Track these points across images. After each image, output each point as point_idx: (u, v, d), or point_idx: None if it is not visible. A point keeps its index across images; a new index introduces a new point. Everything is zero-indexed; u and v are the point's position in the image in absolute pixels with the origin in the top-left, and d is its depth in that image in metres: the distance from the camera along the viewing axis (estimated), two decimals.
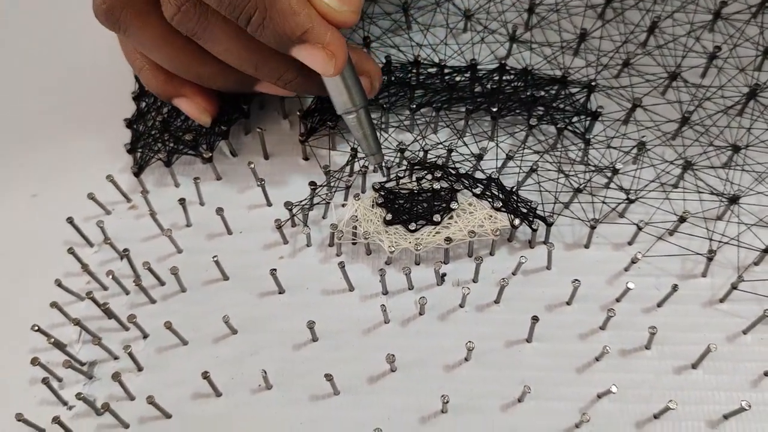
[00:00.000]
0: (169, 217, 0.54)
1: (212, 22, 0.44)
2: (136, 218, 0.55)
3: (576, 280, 0.47)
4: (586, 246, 0.52)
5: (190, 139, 0.55)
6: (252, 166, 0.53)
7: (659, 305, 0.49)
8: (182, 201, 0.52)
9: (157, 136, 0.56)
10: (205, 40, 0.45)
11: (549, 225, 0.50)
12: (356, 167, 0.54)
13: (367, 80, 0.50)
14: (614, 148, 0.54)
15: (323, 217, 0.54)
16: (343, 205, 0.53)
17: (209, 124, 0.53)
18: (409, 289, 0.51)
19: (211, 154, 0.54)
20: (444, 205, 0.51)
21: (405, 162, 0.53)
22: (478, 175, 0.53)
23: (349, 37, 0.61)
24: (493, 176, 0.52)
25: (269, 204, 0.54)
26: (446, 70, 0.57)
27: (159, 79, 0.51)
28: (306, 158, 0.56)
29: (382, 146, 0.54)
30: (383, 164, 0.51)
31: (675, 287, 0.47)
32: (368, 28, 0.61)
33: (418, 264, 0.52)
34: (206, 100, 0.52)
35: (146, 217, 0.54)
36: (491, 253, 0.52)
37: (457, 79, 0.57)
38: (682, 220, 0.50)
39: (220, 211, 0.51)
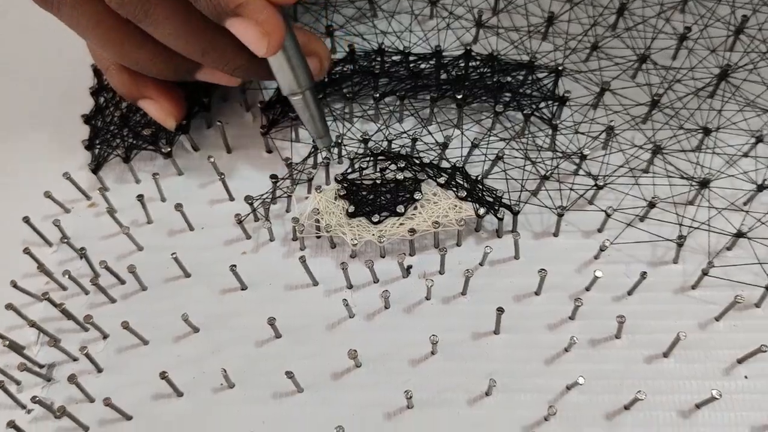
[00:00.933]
0: (130, 215, 0.53)
1: (155, 3, 0.42)
2: (96, 216, 0.53)
3: (542, 269, 0.46)
4: (555, 234, 0.50)
5: (149, 134, 0.53)
6: (212, 160, 0.52)
7: (629, 293, 0.48)
8: (141, 198, 0.51)
9: (116, 131, 0.54)
10: (147, 23, 0.43)
11: (515, 214, 0.49)
12: (319, 159, 0.53)
13: (316, 60, 0.49)
14: (582, 133, 0.53)
15: (286, 211, 0.53)
16: (306, 198, 0.52)
17: (174, 128, 0.51)
18: (374, 282, 0.49)
19: (170, 149, 0.53)
20: (408, 195, 0.50)
21: (368, 152, 0.52)
22: (443, 164, 0.52)
23: (312, 26, 0.59)
24: (458, 165, 0.51)
25: (231, 198, 0.53)
26: (411, 58, 0.56)
27: (123, 78, 0.50)
28: (269, 151, 0.55)
29: (345, 135, 0.53)
30: (332, 147, 0.50)
31: (644, 275, 0.46)
32: (332, 16, 0.60)
33: (383, 257, 0.50)
34: (172, 103, 0.50)
35: (106, 215, 0.53)
36: (458, 244, 0.50)
37: (422, 66, 0.56)
38: (651, 205, 0.49)
39: (179, 207, 0.50)
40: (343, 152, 0.52)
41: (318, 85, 0.53)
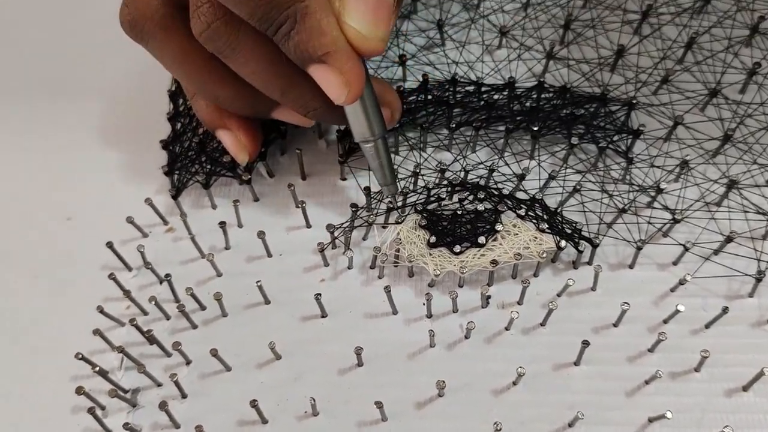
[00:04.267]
0: (207, 240, 0.53)
1: (242, 41, 0.43)
2: (174, 241, 0.54)
3: (625, 302, 0.47)
4: (631, 266, 0.51)
5: (228, 161, 0.54)
6: (292, 188, 0.53)
7: (707, 326, 0.48)
8: (222, 224, 0.52)
9: (194, 157, 0.55)
10: (232, 59, 0.44)
11: (595, 246, 0.50)
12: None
13: (388, 111, 0.49)
14: (657, 167, 0.54)
15: (363, 239, 0.53)
16: (384, 227, 0.52)
17: (245, 163, 0.52)
18: (454, 312, 0.50)
19: (249, 176, 0.53)
20: (488, 226, 0.51)
21: (448, 182, 0.52)
22: (521, 195, 0.53)
23: (385, 56, 0.60)
24: (536, 197, 0.51)
25: (308, 226, 0.54)
26: (484, 88, 0.57)
27: (207, 108, 0.51)
28: (344, 179, 0.56)
29: (423, 166, 0.54)
30: (396, 196, 0.51)
31: (725, 310, 0.47)
32: (403, 45, 0.60)
33: (462, 286, 0.51)
34: (248, 138, 0.51)
35: (184, 240, 0.53)
36: (535, 275, 0.51)
37: (495, 97, 0.56)
38: (728, 240, 0.50)
39: (261, 234, 0.51)
40: (402, 199, 0.52)
41: (389, 132, 0.54)
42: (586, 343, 0.45)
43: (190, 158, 0.55)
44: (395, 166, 0.53)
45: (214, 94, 0.48)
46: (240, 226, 0.54)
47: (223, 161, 0.55)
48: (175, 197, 0.54)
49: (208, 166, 0.55)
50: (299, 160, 0.55)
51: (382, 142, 0.48)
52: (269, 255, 0.53)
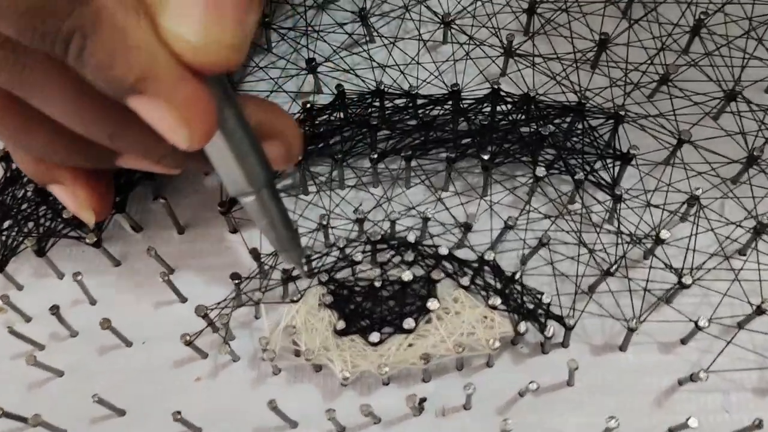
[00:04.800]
0: (50, 324, 0.39)
1: (33, 68, 0.28)
2: (4, 325, 0.40)
3: (612, 418, 0.32)
4: (622, 348, 0.37)
5: (70, 217, 0.40)
6: (152, 253, 0.38)
7: None
8: (55, 310, 0.38)
9: (30, 212, 0.41)
10: (27, 92, 0.29)
11: (568, 329, 0.35)
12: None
13: (279, 146, 0.34)
14: (655, 206, 0.39)
15: (255, 317, 0.39)
16: (284, 300, 0.38)
17: (93, 224, 0.37)
18: (374, 423, 0.36)
19: (97, 239, 0.39)
20: (419, 303, 0.36)
21: (364, 238, 0.38)
22: (465, 254, 0.38)
23: (287, 59, 0.45)
24: (486, 257, 0.37)
25: (182, 300, 0.40)
26: (419, 101, 0.42)
27: (28, 157, 0.36)
28: (234, 230, 0.41)
29: (333, 215, 0.39)
30: (304, 264, 0.37)
31: (759, 424, 0.32)
32: (314, 44, 0.46)
33: (387, 384, 0.37)
34: (89, 192, 0.36)
35: (18, 324, 0.39)
36: (488, 365, 0.37)
37: (435, 113, 0.42)
38: (759, 311, 0.35)
39: (106, 323, 0.37)
40: (315, 265, 0.38)
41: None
42: None
43: (24, 213, 0.41)
44: (296, 223, 0.38)
45: (25, 144, 0.34)
46: (92, 303, 0.40)
47: (65, 217, 0.40)
48: (0, 268, 0.40)
49: (47, 224, 0.40)
50: (168, 211, 0.40)
51: (269, 192, 0.32)
52: (128, 344, 0.39)
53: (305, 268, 0.37)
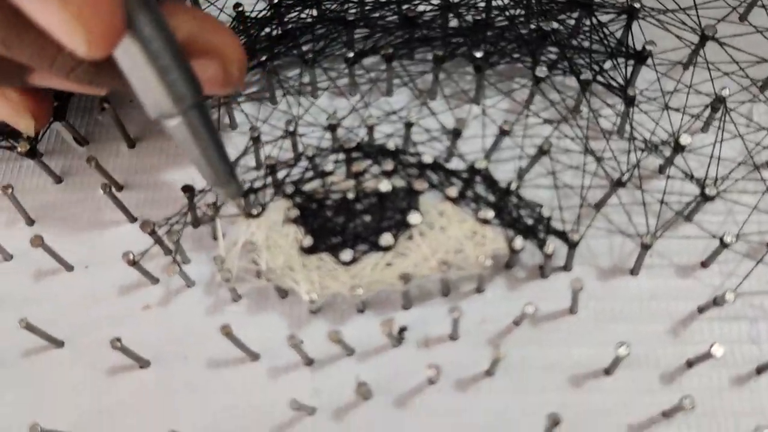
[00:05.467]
0: None
1: None
2: None
3: (622, 344, 0.27)
4: (634, 272, 0.32)
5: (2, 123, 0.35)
6: (92, 164, 0.33)
7: (759, 371, 0.29)
8: None
9: None
10: None
11: (572, 246, 0.30)
12: (262, 157, 0.34)
13: (216, 66, 0.28)
14: (674, 109, 0.34)
15: (213, 238, 0.34)
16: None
17: (33, 131, 0.32)
18: (348, 355, 0.31)
19: (31, 146, 0.34)
20: (398, 217, 0.31)
21: (337, 146, 0.33)
22: (454, 164, 0.33)
23: None
24: (477, 166, 0.32)
25: (132, 219, 0.35)
26: None
27: None
28: None
29: (303, 121, 0.34)
30: (242, 201, 0.32)
31: None
32: None
33: (362, 311, 0.32)
34: (26, 95, 0.31)
35: None
36: (479, 290, 0.32)
37: (421, 8, 0.36)
38: None
39: (38, 240, 0.32)
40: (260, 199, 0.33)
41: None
42: (555, 423, 0.26)
43: None
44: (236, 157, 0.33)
45: None
46: (29, 223, 0.35)
47: None
48: None
49: None
50: (115, 119, 0.35)
51: (198, 114, 0.26)
52: (69, 268, 0.34)
53: (243, 204, 0.32)
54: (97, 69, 0.26)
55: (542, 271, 0.32)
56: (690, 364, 0.30)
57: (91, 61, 0.22)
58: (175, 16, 0.27)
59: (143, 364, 0.32)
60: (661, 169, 0.33)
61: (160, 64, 0.24)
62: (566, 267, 0.32)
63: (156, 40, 0.24)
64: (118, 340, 0.30)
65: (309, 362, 0.31)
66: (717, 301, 0.30)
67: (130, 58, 0.24)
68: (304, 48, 0.36)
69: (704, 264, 0.32)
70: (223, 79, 0.28)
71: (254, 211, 0.32)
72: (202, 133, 0.26)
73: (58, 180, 0.37)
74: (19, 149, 0.35)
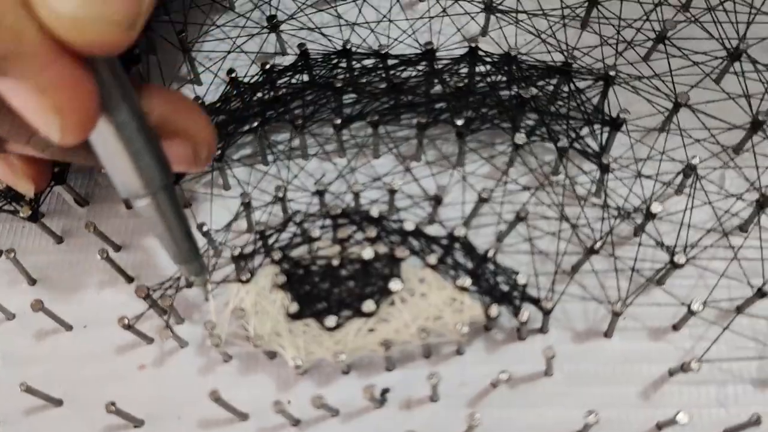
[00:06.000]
0: None
1: None
2: None
3: (592, 413, 0.29)
4: (607, 335, 0.33)
5: (4, 188, 0.36)
6: (91, 230, 0.35)
7: None
8: None
9: None
10: None
11: (546, 313, 0.31)
12: (253, 221, 0.36)
13: (186, 146, 0.29)
14: (647, 177, 0.35)
15: (205, 299, 0.35)
16: (235, 280, 0.34)
17: (32, 194, 0.34)
18: (333, 416, 0.32)
19: (32, 212, 0.36)
20: (381, 284, 0.33)
21: (323, 212, 0.34)
22: (436, 230, 0.34)
23: (248, 17, 0.41)
24: (456, 233, 0.33)
25: (129, 279, 0.36)
26: (390, 62, 0.38)
27: None
28: (187, 205, 0.38)
29: (291, 186, 0.35)
30: (207, 284, 0.32)
31: (756, 420, 0.29)
32: (277, 1, 0.42)
33: (347, 372, 0.33)
34: (27, 160, 0.32)
35: None
36: (458, 352, 0.33)
37: (406, 74, 0.38)
38: (761, 294, 0.31)
39: (38, 305, 0.33)
40: (212, 289, 0.34)
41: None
42: None
43: None
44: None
45: None
46: (31, 282, 0.37)
47: None
48: None
49: None
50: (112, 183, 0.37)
51: (166, 196, 0.27)
52: (68, 328, 0.36)
53: (208, 286, 0.33)
54: (72, 150, 0.27)
55: (519, 334, 0.34)
56: (660, 427, 0.31)
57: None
58: (149, 98, 0.28)
59: (137, 423, 0.33)
60: (635, 233, 0.35)
61: (133, 148, 0.25)
62: (542, 329, 0.34)
63: (129, 126, 0.25)
64: (113, 404, 0.31)
65: (296, 423, 0.33)
66: (684, 368, 0.31)
67: (104, 140, 0.25)
68: (295, 112, 0.38)
69: (675, 327, 0.33)
70: (192, 160, 0.29)
71: (243, 278, 0.33)
72: (169, 214, 0.28)
73: (59, 240, 0.38)
74: (21, 214, 0.36)
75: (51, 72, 0.21)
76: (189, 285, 0.35)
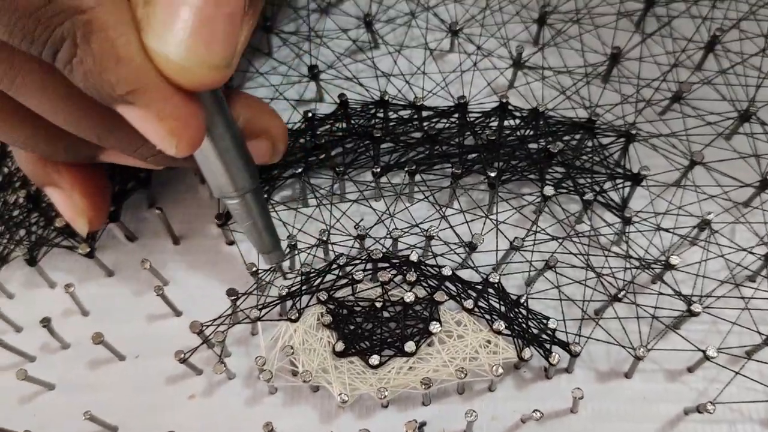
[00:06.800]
0: (39, 335, 0.38)
1: (21, 67, 0.28)
2: None
3: None
4: (628, 376, 0.36)
5: (63, 226, 0.39)
6: (147, 266, 0.37)
7: None
8: (47, 323, 0.36)
9: (22, 219, 0.40)
10: (18, 93, 0.29)
11: (574, 356, 0.34)
12: (297, 263, 0.38)
13: (265, 143, 0.35)
14: (666, 230, 0.38)
15: (252, 334, 0.38)
16: (281, 318, 0.37)
17: (86, 233, 0.37)
18: None
19: (89, 249, 0.38)
20: (420, 326, 0.35)
21: (365, 255, 0.37)
22: (470, 275, 0.37)
23: (289, 65, 0.44)
24: (491, 278, 0.36)
25: (177, 314, 0.39)
26: (424, 113, 0.41)
27: (29, 156, 0.36)
28: (231, 242, 0.40)
29: (333, 230, 0.38)
30: (281, 264, 0.37)
31: None
32: (317, 51, 0.44)
33: (386, 407, 0.36)
34: (87, 198, 0.36)
35: (7, 333, 0.38)
36: (490, 389, 0.36)
37: (440, 125, 0.41)
38: None
39: (99, 338, 0.36)
40: (297, 264, 0.38)
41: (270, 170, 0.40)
42: None
43: (15, 220, 0.40)
44: (295, 238, 0.38)
45: (10, 138, 0.33)
46: (84, 314, 0.39)
47: (57, 225, 0.39)
48: None
49: (38, 232, 0.39)
50: (163, 220, 0.39)
51: (253, 196, 0.33)
52: (121, 358, 0.38)
53: (287, 268, 0.38)
54: (171, 156, 0.31)
55: (547, 373, 0.36)
56: None
57: None
58: (236, 104, 0.33)
59: None
60: (654, 281, 0.37)
61: (227, 157, 0.31)
62: (568, 370, 0.36)
63: (225, 137, 0.30)
64: None
65: None
66: (699, 409, 0.34)
67: (202, 150, 0.30)
68: (335, 160, 0.40)
69: (690, 370, 0.36)
70: (272, 154, 0.35)
71: (292, 316, 0.36)
72: (255, 212, 0.33)
73: (110, 274, 0.40)
74: (79, 251, 0.39)
75: (168, 105, 0.26)
76: (234, 323, 0.38)
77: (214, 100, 0.29)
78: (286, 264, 0.38)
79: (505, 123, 0.40)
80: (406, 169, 0.39)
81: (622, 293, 0.35)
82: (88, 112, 0.29)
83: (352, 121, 0.41)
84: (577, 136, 0.40)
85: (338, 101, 0.41)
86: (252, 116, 0.34)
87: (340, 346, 0.35)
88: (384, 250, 0.37)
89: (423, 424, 0.35)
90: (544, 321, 0.35)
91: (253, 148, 0.33)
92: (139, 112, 0.26)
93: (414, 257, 0.37)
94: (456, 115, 0.41)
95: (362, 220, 0.39)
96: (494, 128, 0.41)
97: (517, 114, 0.40)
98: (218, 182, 0.32)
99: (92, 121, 0.30)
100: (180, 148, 0.27)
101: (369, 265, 0.37)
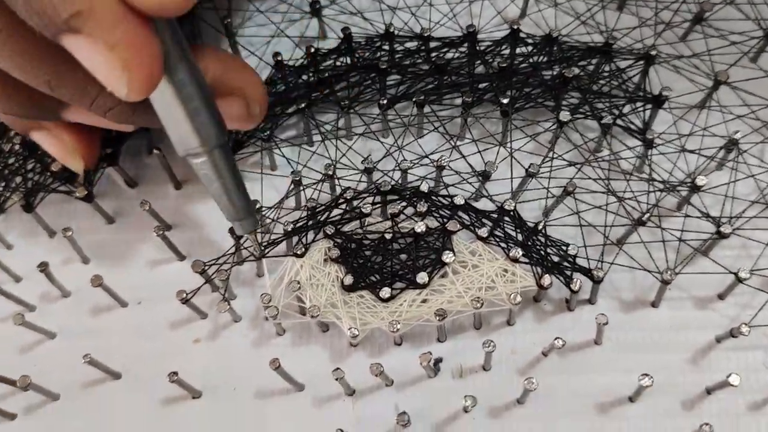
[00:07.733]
0: (42, 283, 0.37)
1: None
2: None
3: (645, 376, 0.29)
4: (654, 304, 0.34)
5: (59, 170, 0.37)
6: (146, 208, 0.36)
7: None
8: (44, 267, 0.35)
9: (18, 166, 0.38)
10: None
11: (596, 282, 0.32)
12: (303, 199, 0.36)
13: (239, 104, 0.31)
14: (690, 151, 0.36)
15: (257, 275, 0.36)
16: (287, 255, 0.35)
17: (81, 171, 0.35)
18: (387, 385, 0.33)
19: (87, 192, 0.36)
20: (433, 256, 0.33)
21: (373, 189, 0.35)
22: (483, 204, 0.35)
23: (290, 3, 0.42)
24: (506, 206, 0.34)
25: (180, 257, 0.37)
26: (432, 44, 0.39)
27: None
28: None
29: (339, 164, 0.36)
30: (259, 234, 0.34)
31: None
32: None
33: (399, 344, 0.34)
34: (75, 135, 0.34)
35: (7, 284, 0.37)
36: (509, 323, 0.34)
37: (449, 56, 0.39)
38: None
39: (97, 280, 0.34)
40: (271, 235, 0.35)
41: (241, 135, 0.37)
42: None
43: (11, 167, 0.38)
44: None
45: None
46: (85, 261, 0.38)
47: (54, 170, 0.38)
48: None
49: (35, 178, 0.38)
50: (163, 164, 0.38)
51: (221, 153, 0.29)
52: (123, 304, 0.36)
53: (259, 240, 0.34)
54: (133, 109, 0.29)
55: (568, 305, 0.34)
56: (709, 391, 0.32)
57: (128, 102, 0.25)
58: (204, 58, 0.29)
59: (195, 394, 0.34)
60: (679, 207, 0.35)
61: (191, 107, 0.27)
62: (591, 300, 0.34)
63: (188, 84, 0.27)
64: (175, 373, 0.32)
65: (351, 392, 0.33)
66: (733, 333, 0.32)
67: (164, 100, 0.27)
68: (339, 94, 0.39)
69: (721, 296, 0.34)
70: (246, 117, 0.31)
71: (298, 251, 0.34)
72: (224, 172, 0.29)
73: (111, 220, 0.39)
74: (77, 194, 0.37)
75: (120, 30, 0.23)
76: (240, 263, 0.36)
77: (173, 37, 0.26)
78: (262, 237, 0.35)
79: (518, 51, 0.38)
80: (414, 99, 0.37)
81: (646, 216, 0.33)
82: (36, 55, 0.27)
83: (357, 55, 0.39)
84: (594, 61, 0.38)
85: (341, 36, 0.39)
86: (223, 72, 0.30)
87: (348, 280, 0.33)
88: (392, 182, 0.35)
89: (439, 360, 0.34)
90: (564, 247, 0.33)
91: (224, 108, 0.30)
92: (86, 42, 0.23)
93: (425, 187, 0.35)
94: (465, 45, 0.39)
95: (370, 155, 0.37)
96: (506, 56, 0.39)
97: (530, 41, 0.39)
98: (182, 136, 0.28)
99: (41, 65, 0.27)
100: (132, 86, 0.24)
101: (377, 198, 0.35)
